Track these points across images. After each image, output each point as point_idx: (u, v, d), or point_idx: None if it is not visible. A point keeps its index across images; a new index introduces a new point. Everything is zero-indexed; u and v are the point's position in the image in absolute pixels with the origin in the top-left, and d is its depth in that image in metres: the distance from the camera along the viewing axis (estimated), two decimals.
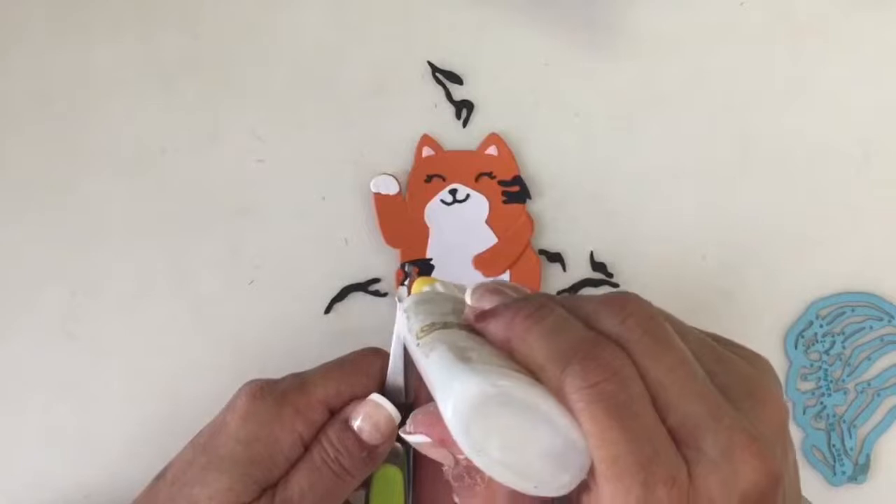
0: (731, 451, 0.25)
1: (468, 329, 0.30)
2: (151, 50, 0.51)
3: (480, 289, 0.30)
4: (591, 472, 0.26)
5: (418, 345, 0.30)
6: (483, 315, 0.30)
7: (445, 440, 0.29)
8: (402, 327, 0.33)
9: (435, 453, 0.30)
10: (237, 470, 0.37)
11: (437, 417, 0.27)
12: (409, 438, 0.30)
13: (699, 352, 0.28)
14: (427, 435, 0.29)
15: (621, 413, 0.25)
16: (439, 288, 0.34)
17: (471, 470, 0.29)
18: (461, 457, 0.29)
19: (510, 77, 0.51)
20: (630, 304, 0.28)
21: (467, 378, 0.26)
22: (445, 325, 0.30)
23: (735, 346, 0.30)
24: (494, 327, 0.29)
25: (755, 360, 0.29)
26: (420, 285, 0.35)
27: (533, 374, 0.27)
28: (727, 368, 0.28)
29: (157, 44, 0.51)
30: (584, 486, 0.26)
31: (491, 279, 0.49)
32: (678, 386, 0.26)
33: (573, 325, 0.28)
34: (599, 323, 0.28)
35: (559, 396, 0.26)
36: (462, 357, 0.27)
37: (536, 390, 0.26)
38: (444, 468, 0.30)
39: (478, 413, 0.26)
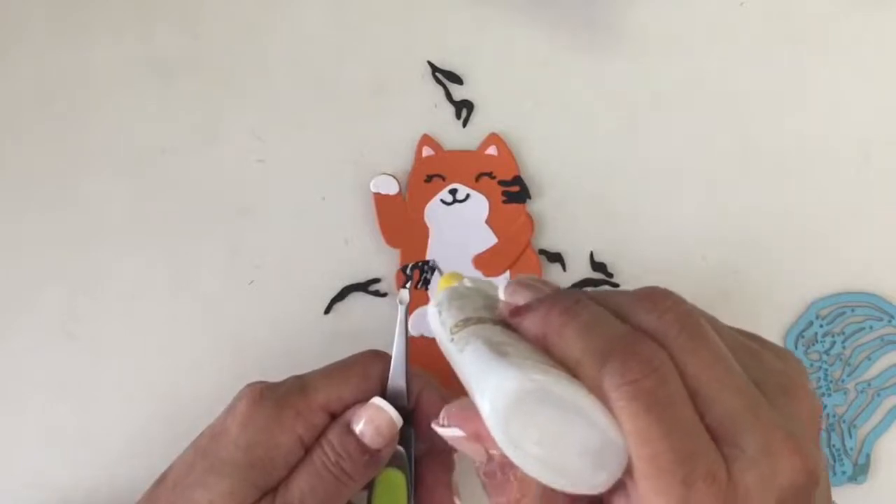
0: (769, 448, 0.25)
1: (502, 324, 0.29)
2: (151, 50, 0.51)
3: (514, 284, 0.30)
4: (629, 469, 0.25)
5: (452, 340, 0.29)
6: (518, 310, 0.29)
7: (480, 434, 0.28)
8: (434, 329, 0.32)
9: (467, 448, 0.29)
10: (238, 474, 0.37)
11: (472, 411, 0.27)
12: (442, 432, 0.30)
13: (733, 347, 0.27)
14: (461, 429, 0.29)
15: (661, 410, 0.25)
16: (467, 283, 0.34)
17: (504, 466, 0.29)
18: (494, 452, 0.28)
19: (510, 77, 0.51)
20: (666, 300, 0.27)
21: (505, 372, 0.26)
22: (480, 321, 0.29)
23: (764, 342, 0.29)
24: (530, 322, 0.28)
25: (786, 357, 0.29)
26: (447, 281, 0.34)
27: (570, 370, 0.27)
28: (760, 364, 0.28)
29: (157, 44, 0.51)
30: (618, 485, 0.26)
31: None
32: (716, 382, 0.26)
33: (610, 320, 0.27)
34: (635, 318, 0.27)
35: (597, 393, 0.26)
36: (499, 352, 0.27)
37: (574, 386, 0.26)
38: (476, 465, 0.30)
39: (516, 408, 0.25)
